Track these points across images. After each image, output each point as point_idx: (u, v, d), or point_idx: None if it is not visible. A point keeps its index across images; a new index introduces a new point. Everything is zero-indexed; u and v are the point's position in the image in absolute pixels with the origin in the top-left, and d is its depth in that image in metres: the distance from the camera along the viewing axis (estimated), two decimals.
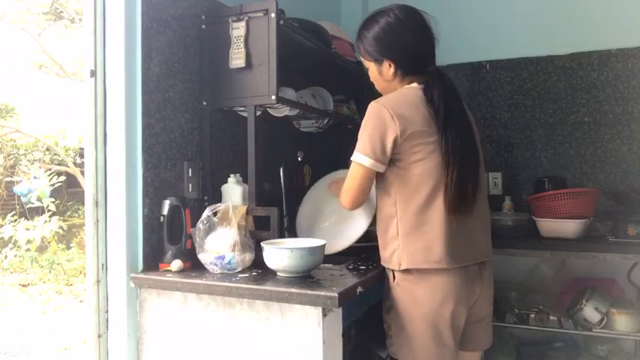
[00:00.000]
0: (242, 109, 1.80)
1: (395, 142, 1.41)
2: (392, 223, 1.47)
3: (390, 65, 1.51)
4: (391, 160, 1.44)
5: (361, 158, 1.44)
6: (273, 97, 1.64)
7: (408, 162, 1.43)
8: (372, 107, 1.45)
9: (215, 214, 1.57)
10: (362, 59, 1.61)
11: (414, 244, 1.43)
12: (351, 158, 1.47)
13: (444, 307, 1.42)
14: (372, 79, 1.61)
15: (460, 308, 1.45)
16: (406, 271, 1.45)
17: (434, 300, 1.43)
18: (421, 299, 1.44)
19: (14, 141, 6.71)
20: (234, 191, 1.74)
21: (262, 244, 1.47)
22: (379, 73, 1.55)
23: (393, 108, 1.42)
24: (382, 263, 1.53)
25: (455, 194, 1.40)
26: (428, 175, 1.42)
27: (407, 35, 1.50)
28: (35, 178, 5.69)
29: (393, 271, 1.49)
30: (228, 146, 1.93)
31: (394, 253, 1.46)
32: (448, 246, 1.41)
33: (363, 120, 1.46)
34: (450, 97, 1.46)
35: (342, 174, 1.93)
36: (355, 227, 1.73)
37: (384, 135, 1.41)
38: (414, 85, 1.51)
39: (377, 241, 1.56)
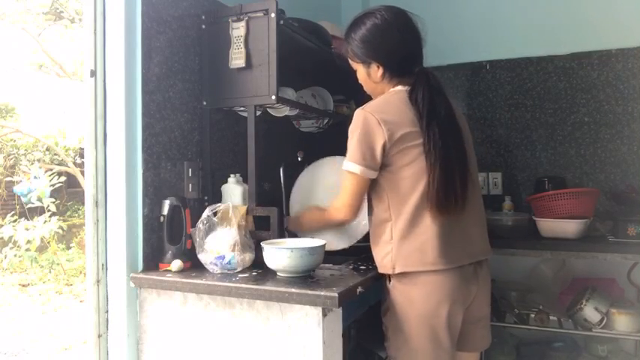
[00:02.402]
0: (242, 109, 1.80)
1: (384, 147, 1.41)
2: (386, 228, 1.46)
3: (378, 67, 1.51)
4: (382, 166, 1.44)
5: (352, 166, 1.43)
6: (273, 97, 1.64)
7: (397, 166, 1.43)
8: (358, 115, 1.45)
9: (215, 214, 1.57)
10: (350, 61, 1.60)
11: (407, 246, 1.42)
12: (343, 168, 1.47)
13: (440, 308, 1.42)
14: (360, 81, 1.61)
15: (456, 309, 1.44)
16: (401, 273, 1.44)
17: (430, 301, 1.42)
18: (417, 301, 1.43)
19: (14, 141, 6.71)
20: (234, 191, 1.74)
21: (262, 244, 1.47)
22: (367, 75, 1.55)
23: (379, 114, 1.41)
24: (378, 268, 1.51)
25: (438, 193, 1.39)
26: (418, 177, 1.41)
27: (394, 36, 1.49)
28: (35, 178, 5.69)
29: (388, 274, 1.48)
30: (228, 146, 1.93)
31: (386, 257, 1.45)
32: (442, 247, 1.41)
33: (350, 128, 1.45)
34: (434, 97, 1.45)
35: (331, 161, 1.92)
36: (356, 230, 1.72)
37: (372, 141, 1.41)
38: (399, 87, 1.51)
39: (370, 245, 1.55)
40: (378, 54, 1.50)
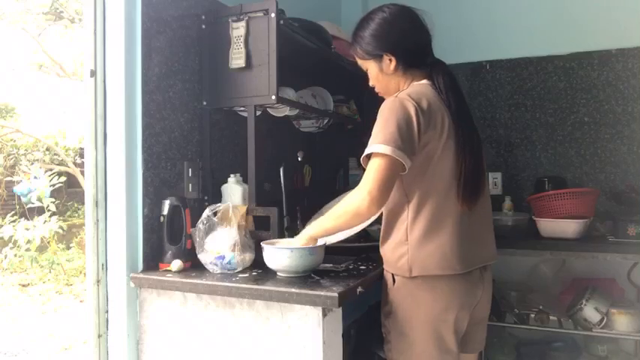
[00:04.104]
0: (242, 109, 1.80)
1: (419, 134, 1.34)
2: (402, 227, 1.42)
3: (390, 60, 1.48)
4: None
5: (386, 148, 1.29)
6: (273, 97, 1.64)
7: (421, 161, 1.37)
8: (392, 101, 1.37)
9: (215, 214, 1.57)
10: (360, 62, 1.55)
11: (425, 249, 1.38)
12: (373, 150, 1.32)
13: (448, 312, 1.39)
14: (372, 81, 1.56)
15: (463, 313, 1.42)
16: (414, 276, 1.40)
17: (437, 305, 1.39)
18: (424, 304, 1.40)
19: (14, 141, 6.71)
20: (234, 191, 1.74)
21: (262, 244, 1.47)
22: (380, 70, 1.50)
23: (416, 100, 1.36)
24: (387, 268, 1.48)
25: (469, 183, 1.38)
26: (442, 173, 1.38)
27: (404, 26, 1.48)
28: (35, 178, 5.68)
29: (392, 274, 1.45)
30: (228, 146, 1.93)
31: (402, 258, 1.41)
32: (461, 250, 1.39)
33: (382, 114, 1.36)
34: (454, 87, 1.45)
35: None
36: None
37: (410, 126, 1.32)
38: (424, 81, 1.48)
39: (378, 242, 1.51)
40: (389, 44, 1.47)
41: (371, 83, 1.58)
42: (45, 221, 5.55)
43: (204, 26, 1.77)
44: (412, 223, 1.40)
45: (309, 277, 1.43)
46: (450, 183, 1.39)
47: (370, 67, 1.53)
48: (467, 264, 1.41)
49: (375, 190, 1.30)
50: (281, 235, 1.65)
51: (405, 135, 1.32)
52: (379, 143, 1.32)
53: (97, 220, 1.54)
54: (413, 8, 1.51)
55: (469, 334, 1.53)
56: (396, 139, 1.31)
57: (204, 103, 1.77)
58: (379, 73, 1.52)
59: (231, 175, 1.76)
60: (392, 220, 1.45)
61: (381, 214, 1.49)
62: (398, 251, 1.42)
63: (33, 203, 5.66)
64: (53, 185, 5.80)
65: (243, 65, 1.67)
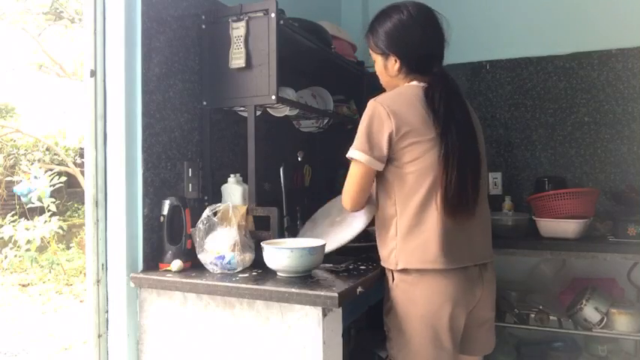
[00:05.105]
0: (242, 109, 1.80)
1: (390, 139, 1.41)
2: (392, 223, 1.47)
3: (395, 61, 1.51)
4: (389, 160, 1.44)
5: (358, 154, 1.43)
6: (273, 97, 1.64)
7: (403, 161, 1.43)
8: (370, 105, 1.46)
9: (215, 214, 1.57)
10: (370, 51, 1.61)
11: (410, 243, 1.43)
12: (348, 155, 1.46)
13: (442, 309, 1.41)
14: (377, 73, 1.62)
15: (459, 311, 1.44)
16: (404, 271, 1.44)
17: (432, 302, 1.42)
18: (419, 301, 1.43)
19: (14, 141, 6.71)
20: (234, 191, 1.74)
21: (262, 244, 1.47)
22: (384, 67, 1.56)
23: (389, 105, 1.42)
24: (382, 263, 1.53)
25: (454, 197, 1.39)
26: (424, 174, 1.41)
27: (416, 33, 1.50)
28: (35, 178, 5.68)
29: (392, 272, 1.48)
30: (228, 146, 1.93)
31: (392, 253, 1.46)
32: (444, 246, 1.40)
33: (361, 118, 1.47)
34: (451, 99, 1.45)
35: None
36: (352, 227, 1.70)
37: (380, 132, 1.41)
38: (415, 83, 1.50)
39: (376, 241, 1.55)
40: (397, 48, 1.51)
41: (377, 74, 1.63)
42: (45, 221, 5.54)
43: (204, 26, 1.77)
44: (400, 218, 1.45)
45: (309, 277, 1.44)
46: (432, 185, 1.41)
47: (377, 60, 1.59)
48: (451, 260, 1.42)
49: (351, 196, 1.51)
50: (281, 235, 1.65)
51: (374, 140, 1.42)
52: (354, 149, 1.45)
53: (97, 220, 1.54)
54: (433, 11, 1.52)
55: (471, 336, 1.53)
56: (364, 145, 1.43)
57: (204, 103, 1.77)
58: (383, 70, 1.57)
59: (231, 175, 1.76)
60: (384, 218, 1.51)
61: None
62: (389, 246, 1.48)
63: (33, 203, 5.66)
64: (53, 185, 5.80)
65: (243, 65, 1.67)
